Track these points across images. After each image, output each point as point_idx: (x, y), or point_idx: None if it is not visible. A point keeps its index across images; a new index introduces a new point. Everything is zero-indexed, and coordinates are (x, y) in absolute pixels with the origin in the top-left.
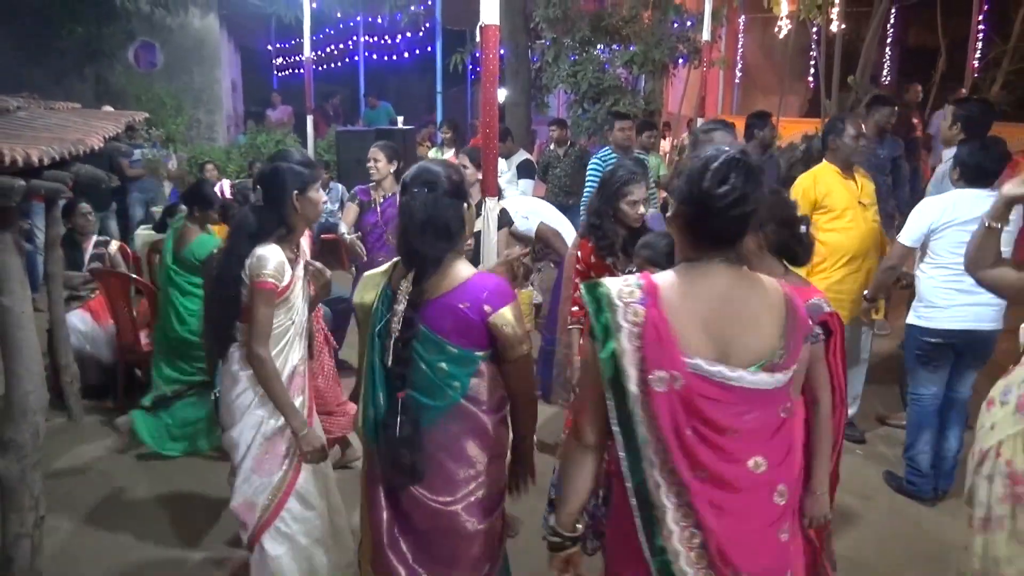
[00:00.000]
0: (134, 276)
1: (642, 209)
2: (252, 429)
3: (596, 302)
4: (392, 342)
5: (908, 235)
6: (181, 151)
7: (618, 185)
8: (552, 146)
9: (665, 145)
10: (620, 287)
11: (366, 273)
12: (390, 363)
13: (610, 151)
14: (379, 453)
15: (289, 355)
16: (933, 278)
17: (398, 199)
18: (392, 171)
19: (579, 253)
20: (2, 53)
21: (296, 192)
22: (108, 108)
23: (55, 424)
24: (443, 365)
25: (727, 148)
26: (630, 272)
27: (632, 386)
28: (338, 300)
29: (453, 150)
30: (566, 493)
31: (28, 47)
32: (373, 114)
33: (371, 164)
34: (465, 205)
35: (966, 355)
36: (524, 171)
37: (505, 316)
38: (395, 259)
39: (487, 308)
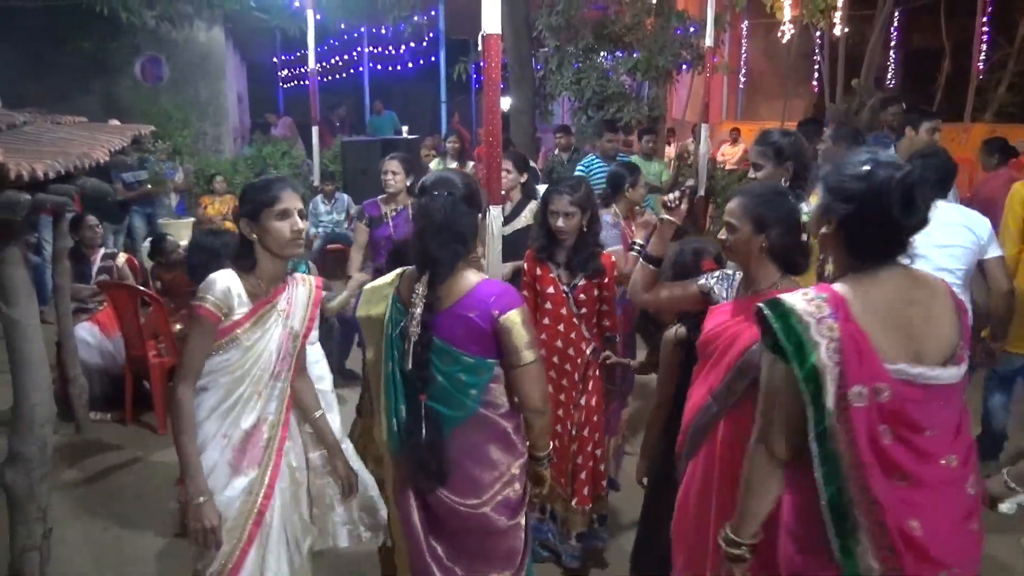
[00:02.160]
0: (142, 288)
1: (561, 222)
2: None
3: (783, 319)
4: (411, 345)
5: None
6: (188, 163)
7: (545, 197)
8: (557, 151)
9: (670, 150)
10: (804, 303)
11: (368, 286)
12: (409, 366)
13: (594, 158)
14: (405, 460)
15: (241, 415)
16: None
17: (412, 210)
18: (408, 184)
19: (526, 265)
20: (9, 68)
21: (245, 217)
22: (115, 122)
23: (63, 436)
24: (460, 375)
25: (885, 156)
26: (576, 286)
27: (829, 402)
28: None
29: (457, 163)
30: (750, 505)
31: (35, 62)
32: (378, 121)
33: (388, 177)
34: (480, 215)
35: None
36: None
37: (512, 319)
38: (398, 270)
39: (495, 312)
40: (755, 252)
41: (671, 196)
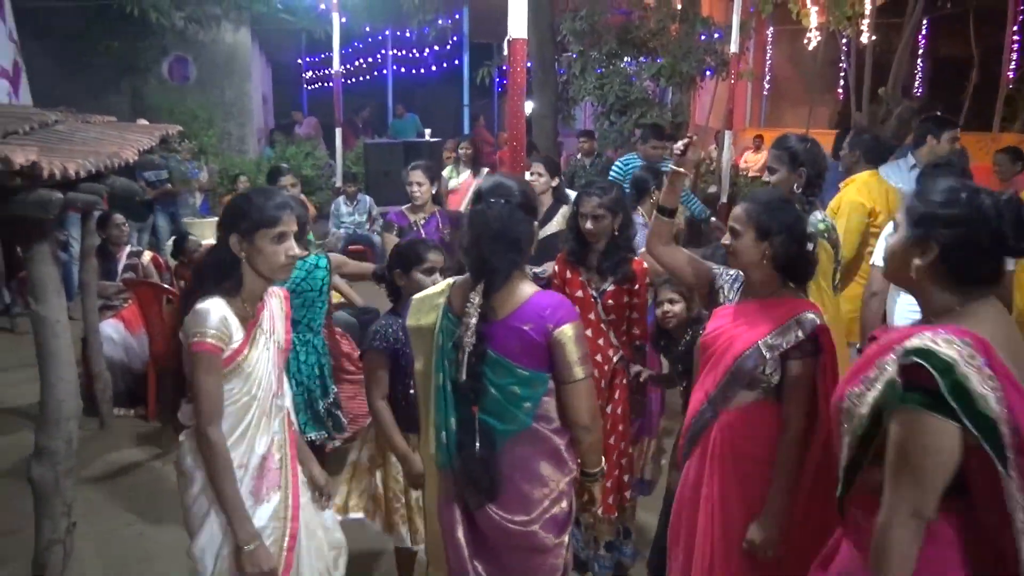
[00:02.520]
0: (166, 286)
1: (590, 224)
2: (215, 545)
3: (947, 375)
4: (465, 356)
5: (878, 255)
6: (212, 163)
7: (576, 199)
8: (580, 156)
9: None
10: (958, 350)
11: (416, 296)
12: (463, 377)
13: (634, 156)
14: (455, 474)
15: (254, 441)
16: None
17: (439, 218)
18: (433, 192)
19: (556, 267)
20: (41, 68)
21: (236, 235)
22: (143, 121)
23: (87, 431)
24: (514, 388)
25: (969, 182)
26: (604, 291)
27: (1010, 452)
28: (365, 311)
29: (471, 170)
30: (898, 570)
31: (66, 63)
32: (400, 124)
33: (414, 188)
34: (536, 223)
35: None
36: None
37: (566, 332)
38: (449, 279)
39: (549, 325)
40: (757, 259)
41: (678, 144)
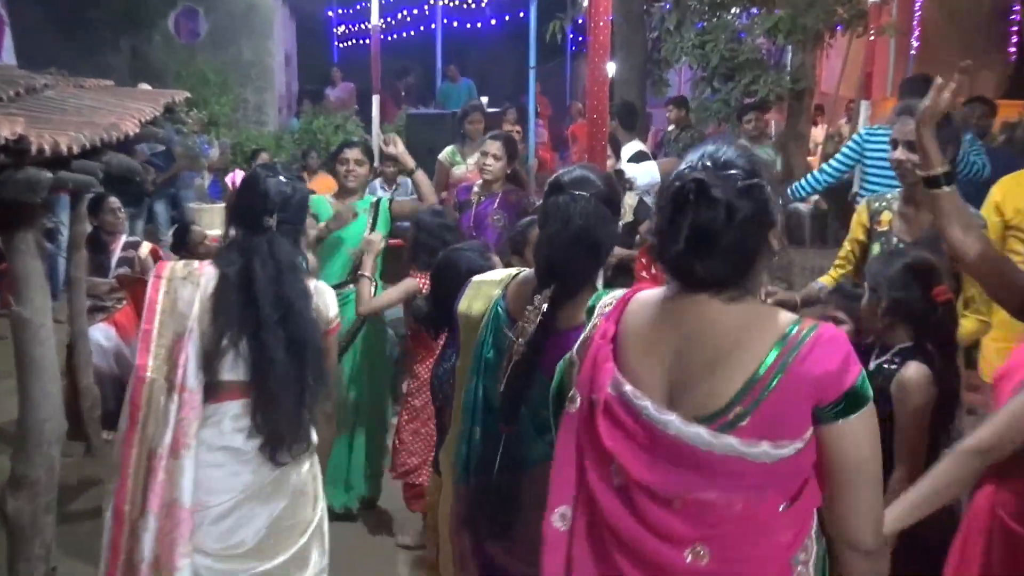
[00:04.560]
0: None
1: None
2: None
3: None
4: (511, 365)
5: None
6: (225, 136)
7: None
8: (671, 127)
9: (817, 133)
10: None
11: (475, 278)
12: (502, 389)
13: (879, 128)
14: (469, 495)
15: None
16: None
17: (499, 200)
18: (507, 173)
19: (643, 262)
20: (32, 25)
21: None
22: (145, 86)
23: (71, 458)
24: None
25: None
26: None
27: None
28: (401, 322)
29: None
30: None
31: (59, 18)
32: (451, 90)
33: (488, 160)
34: (619, 223)
35: None
36: (639, 162)
37: None
38: (512, 270)
39: None
40: None
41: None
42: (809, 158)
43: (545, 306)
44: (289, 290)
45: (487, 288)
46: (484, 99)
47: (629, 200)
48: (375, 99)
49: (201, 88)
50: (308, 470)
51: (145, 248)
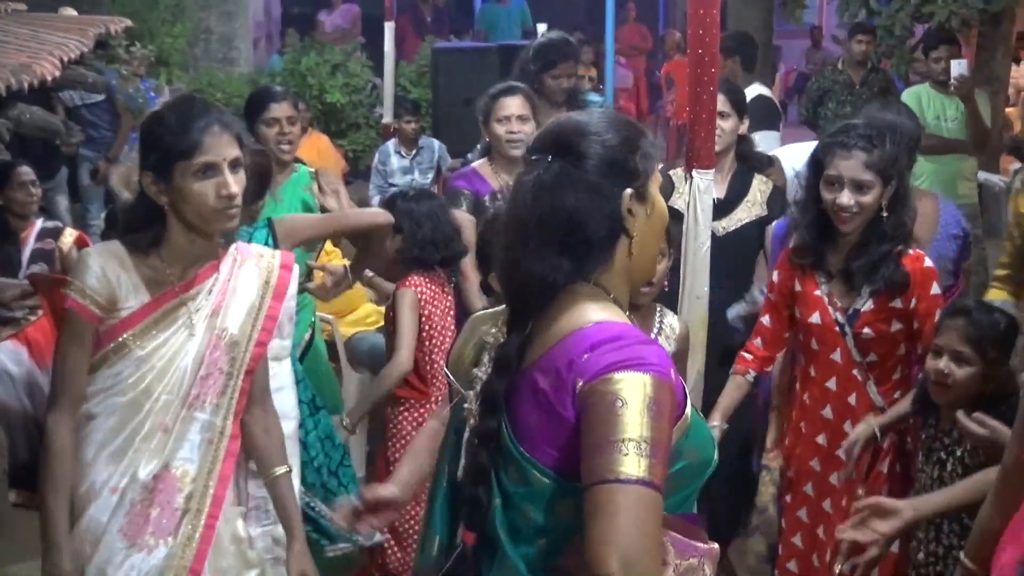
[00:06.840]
0: None
1: (847, 199)
2: None
3: None
4: (466, 439)
5: None
6: (179, 80)
7: (817, 156)
8: (841, 64)
9: (1018, 74)
10: None
11: (475, 315)
12: (459, 475)
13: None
14: None
15: (138, 459)
16: None
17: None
18: None
19: (777, 274)
20: None
21: (150, 171)
22: (69, 11)
23: None
24: (527, 508)
25: None
26: (858, 312)
27: None
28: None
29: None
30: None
31: None
32: (496, 13)
33: (513, 127)
34: (628, 193)
35: None
36: (759, 117)
37: (617, 386)
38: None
39: (580, 380)
40: None
41: None
42: (1008, 109)
43: (498, 335)
44: None
45: (479, 322)
46: (542, 26)
47: (759, 185)
48: (388, 27)
49: (147, 14)
50: None
51: (68, 237)
